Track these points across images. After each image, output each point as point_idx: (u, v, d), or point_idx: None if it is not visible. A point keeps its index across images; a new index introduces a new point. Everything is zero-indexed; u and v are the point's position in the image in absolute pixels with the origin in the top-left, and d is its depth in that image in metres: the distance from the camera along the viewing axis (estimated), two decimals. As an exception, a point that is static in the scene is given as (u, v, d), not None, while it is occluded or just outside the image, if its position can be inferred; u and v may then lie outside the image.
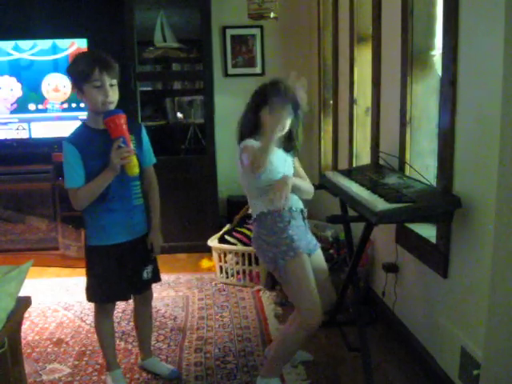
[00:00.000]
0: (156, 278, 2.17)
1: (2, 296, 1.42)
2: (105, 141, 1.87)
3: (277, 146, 2.00)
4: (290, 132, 2.08)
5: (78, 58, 1.92)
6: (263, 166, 1.86)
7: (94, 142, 1.90)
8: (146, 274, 2.10)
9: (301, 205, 2.10)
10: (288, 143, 2.11)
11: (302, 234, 2.03)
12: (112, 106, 1.89)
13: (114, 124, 1.84)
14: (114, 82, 1.88)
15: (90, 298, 2.09)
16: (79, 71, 1.84)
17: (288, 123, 2.02)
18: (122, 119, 1.85)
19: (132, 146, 1.89)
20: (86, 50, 3.81)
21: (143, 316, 2.27)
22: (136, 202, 2.02)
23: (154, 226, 2.10)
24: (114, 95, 1.88)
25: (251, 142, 1.99)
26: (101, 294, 2.05)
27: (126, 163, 1.85)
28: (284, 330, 2.13)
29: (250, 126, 2.05)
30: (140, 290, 2.14)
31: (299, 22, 4.29)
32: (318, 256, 2.14)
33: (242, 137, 2.05)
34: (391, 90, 2.52)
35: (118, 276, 2.01)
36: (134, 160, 1.88)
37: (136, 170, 1.89)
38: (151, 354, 2.34)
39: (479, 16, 1.73)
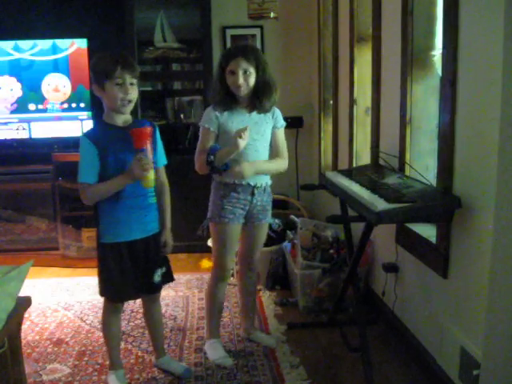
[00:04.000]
0: (169, 278, 2.20)
1: (2, 296, 1.42)
2: (121, 137, 1.93)
3: (245, 108, 2.25)
4: (261, 84, 2.22)
5: (102, 56, 1.97)
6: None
7: (110, 138, 1.94)
8: (158, 276, 2.11)
9: (256, 180, 2.26)
10: (259, 103, 2.24)
11: (237, 208, 2.27)
12: (131, 105, 1.96)
13: (139, 135, 1.89)
14: (134, 81, 1.95)
15: (101, 293, 2.11)
16: (102, 69, 1.91)
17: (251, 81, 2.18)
18: (148, 131, 1.90)
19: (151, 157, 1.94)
20: (86, 49, 3.82)
21: (153, 314, 2.27)
22: (150, 200, 2.07)
23: (167, 226, 2.16)
24: (133, 93, 1.94)
25: (208, 115, 2.25)
26: (112, 291, 2.08)
27: (144, 175, 1.88)
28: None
29: (220, 93, 2.23)
30: (150, 291, 2.16)
31: (299, 22, 4.28)
32: (257, 228, 2.38)
33: (215, 104, 2.26)
34: (391, 90, 2.52)
35: (130, 275, 2.04)
36: (152, 175, 1.91)
37: (152, 184, 1.93)
38: (164, 352, 2.34)
39: (479, 16, 1.73)
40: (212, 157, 2.13)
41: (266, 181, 2.33)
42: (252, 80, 2.20)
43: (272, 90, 2.24)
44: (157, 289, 2.17)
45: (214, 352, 2.39)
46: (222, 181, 2.27)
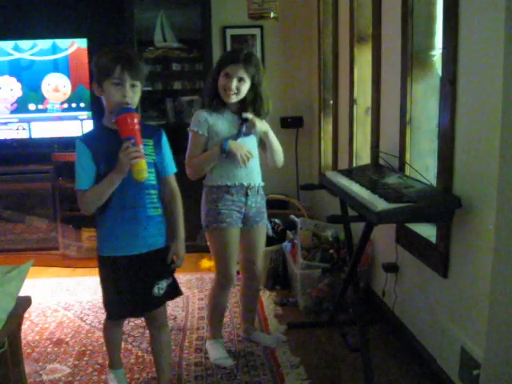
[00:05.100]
0: (175, 293, 1.97)
1: (2, 296, 1.42)
2: (117, 141, 1.73)
3: (234, 112, 2.24)
4: (252, 96, 2.22)
5: (104, 52, 1.79)
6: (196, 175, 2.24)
7: (107, 143, 1.77)
8: (158, 289, 1.89)
9: (249, 180, 2.27)
10: (254, 108, 2.25)
11: (233, 210, 2.25)
12: None
13: (124, 123, 1.71)
14: (137, 83, 1.77)
15: (107, 312, 1.99)
16: (101, 66, 1.75)
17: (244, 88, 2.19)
18: (135, 118, 1.72)
19: (145, 150, 1.76)
20: (86, 49, 3.82)
21: (158, 344, 2.01)
22: (151, 212, 1.86)
23: (179, 237, 1.95)
24: (133, 97, 1.77)
25: (197, 118, 2.22)
26: (113, 308, 1.95)
27: (134, 163, 1.69)
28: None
29: (209, 93, 2.23)
30: (149, 306, 1.92)
31: (299, 22, 4.29)
32: (255, 231, 2.36)
33: (203, 104, 2.28)
34: (391, 90, 2.52)
35: (129, 291, 1.87)
36: (143, 164, 1.71)
37: (144, 175, 1.72)
38: None
39: (479, 16, 1.73)
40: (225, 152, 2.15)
41: (258, 181, 2.32)
42: (245, 89, 2.19)
43: (263, 104, 2.23)
44: (156, 304, 1.93)
45: (215, 352, 2.39)
46: (213, 184, 2.25)
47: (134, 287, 1.87)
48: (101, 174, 1.77)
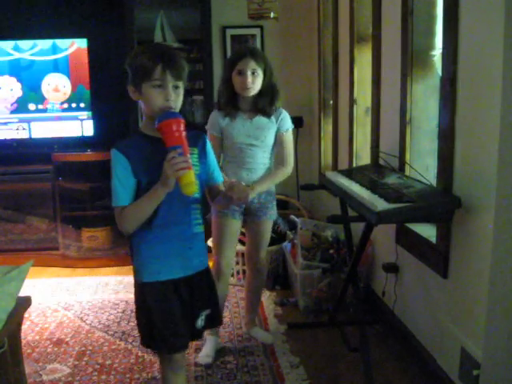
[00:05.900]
0: (215, 322, 1.79)
1: (2, 296, 1.42)
2: (158, 151, 1.50)
3: (248, 111, 2.29)
4: (263, 94, 2.27)
5: (141, 50, 1.57)
6: None
7: (148, 152, 1.55)
8: (201, 321, 1.69)
9: (250, 181, 2.29)
10: (264, 107, 2.29)
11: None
12: None
13: (169, 130, 1.48)
14: (180, 84, 1.54)
15: (144, 342, 1.69)
16: (138, 67, 1.52)
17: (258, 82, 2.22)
18: (181, 125, 1.49)
19: (192, 160, 1.54)
20: (86, 49, 3.81)
21: None
22: (196, 229, 1.65)
23: None
24: (176, 100, 1.54)
25: (211, 120, 2.32)
26: (158, 340, 1.63)
27: (181, 175, 1.45)
28: None
29: (225, 96, 2.28)
30: (191, 338, 1.73)
31: (299, 22, 4.28)
32: (257, 225, 2.42)
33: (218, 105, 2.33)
34: (391, 90, 2.52)
35: (178, 319, 1.63)
36: (192, 176, 1.48)
37: (194, 189, 1.49)
38: None
39: (479, 16, 1.73)
40: None
41: None
42: (259, 81, 2.23)
43: (278, 94, 2.31)
44: (199, 336, 1.77)
45: (203, 348, 2.41)
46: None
47: (182, 315, 1.65)
48: (142, 188, 1.55)
